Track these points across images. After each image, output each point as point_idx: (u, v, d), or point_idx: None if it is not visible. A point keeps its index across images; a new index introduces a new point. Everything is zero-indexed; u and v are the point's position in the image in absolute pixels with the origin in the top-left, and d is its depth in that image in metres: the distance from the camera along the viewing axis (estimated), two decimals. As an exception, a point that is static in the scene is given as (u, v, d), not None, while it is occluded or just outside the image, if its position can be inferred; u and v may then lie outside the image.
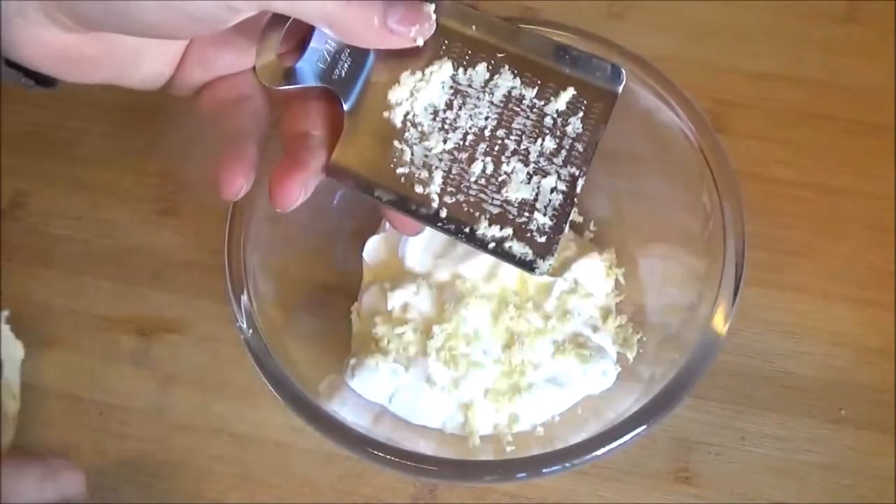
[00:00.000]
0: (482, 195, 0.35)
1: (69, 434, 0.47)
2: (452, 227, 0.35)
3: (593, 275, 0.46)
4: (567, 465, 0.37)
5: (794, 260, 0.50)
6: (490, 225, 0.35)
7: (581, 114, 0.35)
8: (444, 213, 0.35)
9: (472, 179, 0.35)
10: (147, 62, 0.34)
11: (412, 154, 0.35)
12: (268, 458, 0.46)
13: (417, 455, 0.38)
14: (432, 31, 0.33)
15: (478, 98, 0.35)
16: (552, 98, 0.35)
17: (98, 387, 0.48)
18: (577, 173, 0.35)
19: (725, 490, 0.44)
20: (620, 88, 0.35)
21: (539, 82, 0.35)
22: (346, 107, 0.35)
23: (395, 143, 0.35)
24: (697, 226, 0.42)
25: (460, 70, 0.35)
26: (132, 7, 0.29)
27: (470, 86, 0.35)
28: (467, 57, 0.35)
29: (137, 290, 0.51)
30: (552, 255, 0.35)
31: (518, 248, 0.35)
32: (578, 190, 0.35)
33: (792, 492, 0.44)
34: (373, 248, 0.47)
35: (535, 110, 0.35)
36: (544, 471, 0.37)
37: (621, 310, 0.46)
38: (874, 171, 0.52)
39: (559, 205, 0.35)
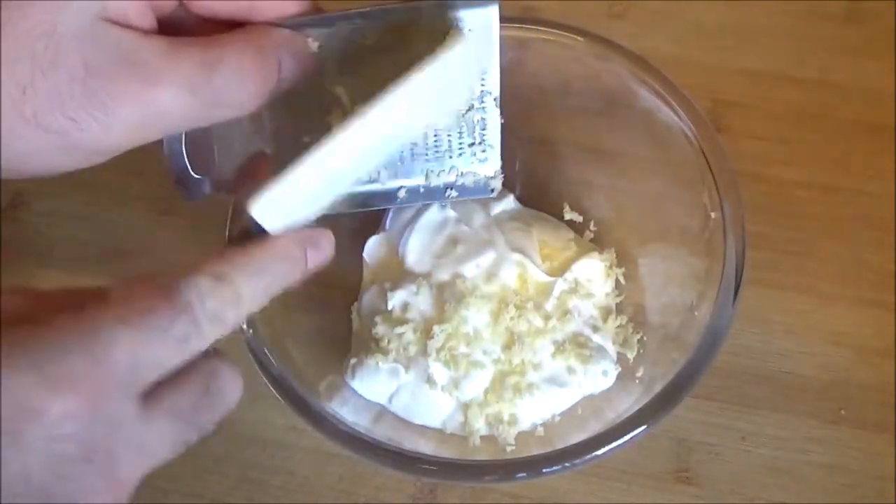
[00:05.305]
0: (418, 151, 0.39)
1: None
2: (409, 196, 0.40)
3: (593, 275, 0.46)
4: (567, 465, 0.36)
5: (794, 260, 0.50)
6: (438, 175, 0.39)
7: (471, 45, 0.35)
8: (398, 190, 0.39)
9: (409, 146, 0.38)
10: None
11: None
12: (268, 458, 0.46)
13: (417, 455, 0.38)
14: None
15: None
16: (436, 46, 0.34)
17: (98, 387, 0.48)
18: (491, 95, 0.38)
19: (725, 490, 0.44)
20: (496, 7, 0.35)
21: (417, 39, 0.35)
22: (269, 152, 0.38)
23: None
24: (697, 226, 0.42)
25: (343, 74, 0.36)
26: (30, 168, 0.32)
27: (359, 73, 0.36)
28: (342, 53, 0.35)
29: (137, 290, 0.50)
30: (500, 172, 0.40)
31: (469, 179, 0.40)
32: (498, 106, 0.38)
33: (792, 492, 0.44)
34: (373, 248, 0.47)
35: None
36: (544, 471, 0.37)
37: (621, 310, 0.46)
38: (874, 171, 0.52)
39: (488, 128, 0.39)
